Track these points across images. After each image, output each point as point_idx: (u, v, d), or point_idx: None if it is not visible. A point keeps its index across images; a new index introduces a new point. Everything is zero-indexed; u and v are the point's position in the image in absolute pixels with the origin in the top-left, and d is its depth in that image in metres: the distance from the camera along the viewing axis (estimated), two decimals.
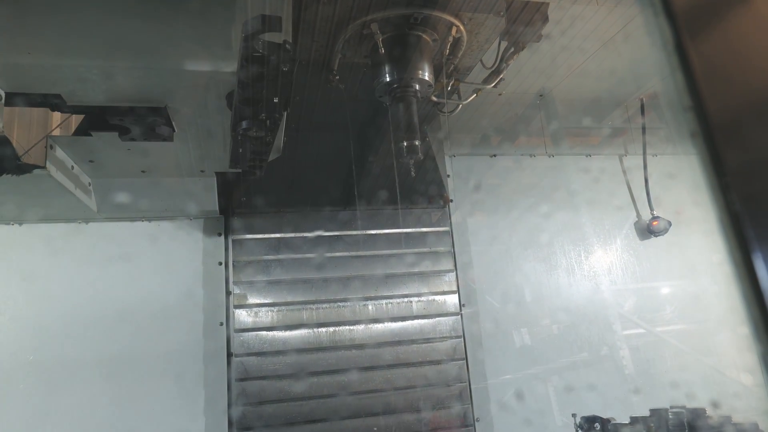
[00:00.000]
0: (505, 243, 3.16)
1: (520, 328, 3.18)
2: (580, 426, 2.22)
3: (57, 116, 2.12)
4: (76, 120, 2.13)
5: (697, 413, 1.76)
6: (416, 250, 2.76)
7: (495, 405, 2.86)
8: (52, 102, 1.86)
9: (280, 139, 2.24)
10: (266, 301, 2.65)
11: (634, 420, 1.90)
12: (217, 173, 2.59)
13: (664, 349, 3.22)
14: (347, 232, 2.77)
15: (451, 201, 3.00)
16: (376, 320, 2.77)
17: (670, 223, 3.12)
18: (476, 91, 2.22)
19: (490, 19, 1.83)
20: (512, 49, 2.04)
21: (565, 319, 3.18)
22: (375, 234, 2.81)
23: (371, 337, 2.74)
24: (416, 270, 2.80)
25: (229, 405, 2.53)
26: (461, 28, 1.83)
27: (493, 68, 2.14)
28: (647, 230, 3.15)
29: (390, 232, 2.84)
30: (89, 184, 2.46)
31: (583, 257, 3.19)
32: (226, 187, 2.63)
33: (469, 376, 2.90)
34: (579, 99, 3.02)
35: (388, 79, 1.79)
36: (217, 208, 2.65)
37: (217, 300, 2.64)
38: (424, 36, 1.84)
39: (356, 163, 2.59)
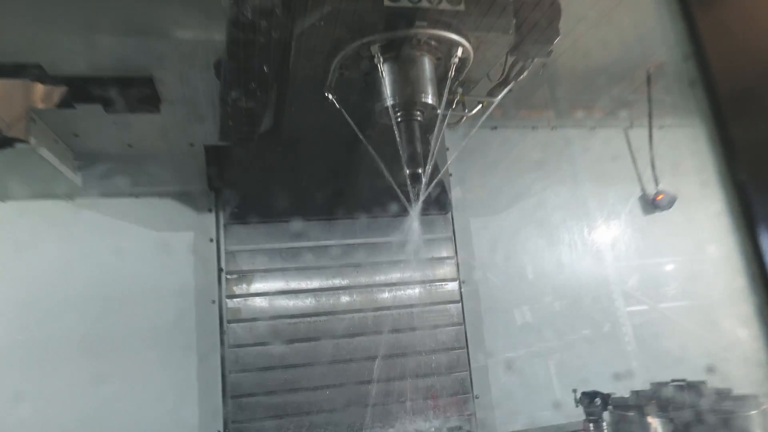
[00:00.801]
0: (506, 218, 3.17)
1: (521, 306, 3.21)
2: (580, 401, 2.27)
3: (40, 88, 2.10)
4: (59, 92, 2.11)
5: (698, 386, 1.81)
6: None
7: (495, 383, 2.91)
8: (32, 73, 1.85)
9: (271, 110, 2.23)
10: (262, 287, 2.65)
11: (635, 393, 1.95)
12: (206, 146, 2.59)
13: (668, 325, 3.26)
14: (347, 241, 2.76)
15: (450, 175, 3.00)
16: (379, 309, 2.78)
17: (675, 197, 3.13)
18: (481, 102, 2.21)
19: (498, 37, 1.80)
20: (521, 65, 2.03)
21: (568, 296, 3.21)
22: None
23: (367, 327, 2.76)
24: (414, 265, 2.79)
25: (224, 394, 2.56)
26: (467, 47, 1.81)
27: (500, 81, 2.10)
28: (652, 204, 3.16)
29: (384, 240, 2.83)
30: (74, 159, 2.45)
31: (587, 232, 3.21)
32: (217, 161, 2.62)
33: (468, 351, 2.94)
34: (584, 69, 3.00)
35: (389, 104, 1.78)
36: (206, 183, 2.64)
37: (208, 277, 2.65)
38: (428, 56, 1.82)
39: (352, 173, 2.55)
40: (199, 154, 2.64)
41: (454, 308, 2.91)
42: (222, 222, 2.71)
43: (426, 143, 1.91)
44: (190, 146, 2.61)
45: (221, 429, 2.54)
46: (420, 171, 1.83)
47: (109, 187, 2.61)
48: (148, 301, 2.60)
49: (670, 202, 3.13)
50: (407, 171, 1.83)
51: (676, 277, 3.35)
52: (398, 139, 1.83)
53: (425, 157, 1.86)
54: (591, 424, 2.29)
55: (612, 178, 3.27)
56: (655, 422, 1.75)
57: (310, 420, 2.51)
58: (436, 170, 2.12)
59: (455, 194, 3.12)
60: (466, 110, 2.18)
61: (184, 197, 2.71)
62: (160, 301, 2.62)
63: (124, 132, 2.31)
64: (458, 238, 3.03)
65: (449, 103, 1.98)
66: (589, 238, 3.23)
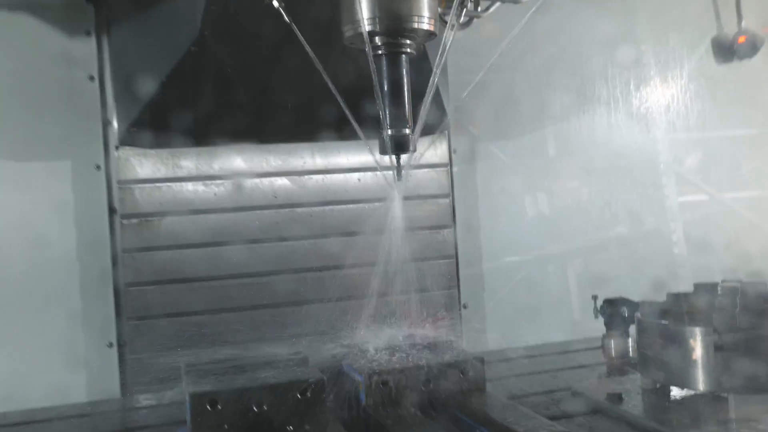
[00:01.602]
0: (521, 64, 3.10)
1: (535, 192, 3.23)
2: (601, 311, 2.34)
3: None
4: None
5: (755, 287, 1.85)
6: None
7: (490, 293, 2.99)
8: None
9: None
10: None
11: (672, 297, 1.99)
12: None
13: (733, 222, 3.33)
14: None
15: None
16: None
17: (762, 41, 3.07)
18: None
19: None
20: None
21: (600, 179, 3.24)
22: None
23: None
24: None
25: (116, 292, 2.62)
26: None
27: None
28: (729, 50, 3.11)
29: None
30: None
31: (633, 88, 3.18)
32: None
33: (457, 254, 3.00)
34: None
35: (367, 29, 1.73)
36: None
37: (89, 132, 2.61)
38: None
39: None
40: None
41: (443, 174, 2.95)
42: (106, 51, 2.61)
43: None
44: None
45: (113, 341, 2.62)
46: (407, 131, 1.82)
47: None
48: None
49: (755, 48, 3.07)
50: (388, 132, 1.81)
51: (751, 157, 3.38)
52: (375, 79, 1.78)
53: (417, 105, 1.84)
54: (612, 341, 2.38)
55: (677, 9, 3.20)
56: (694, 333, 1.80)
57: (224, 329, 2.62)
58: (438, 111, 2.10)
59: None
60: (479, 8, 2.14)
61: (48, 13, 2.57)
62: (19, 165, 2.58)
63: None
64: (453, 92, 2.98)
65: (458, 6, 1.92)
66: (637, 96, 3.21)
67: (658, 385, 1.95)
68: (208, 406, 1.61)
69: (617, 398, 1.91)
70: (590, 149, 3.21)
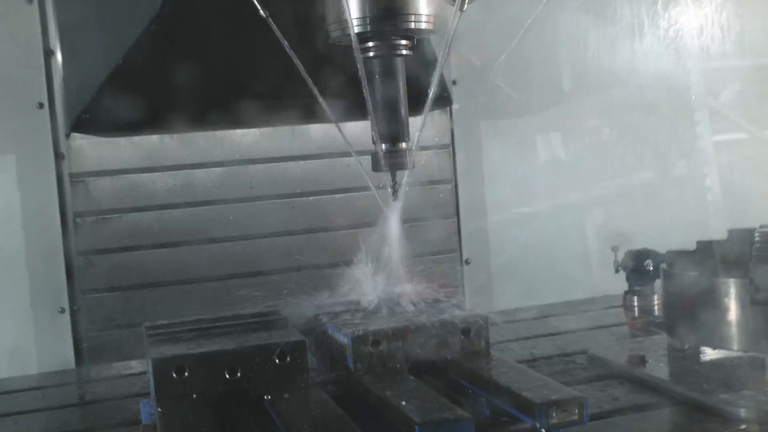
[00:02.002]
0: None
1: (549, 133, 3.22)
2: (622, 265, 2.35)
3: None
4: None
5: None
6: None
7: (496, 247, 3.00)
8: None
9: None
10: None
11: (703, 245, 1.98)
12: None
13: None
14: None
15: None
16: None
17: None
18: None
19: None
20: None
21: (621, 116, 3.22)
22: None
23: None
24: None
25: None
26: None
27: None
28: None
29: None
30: None
31: (661, 8, 3.15)
32: None
33: (458, 206, 3.01)
34: None
35: (354, 31, 1.71)
36: None
37: (29, 65, 2.58)
38: None
39: None
40: None
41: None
42: None
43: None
44: None
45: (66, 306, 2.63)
46: (403, 145, 1.81)
47: None
48: None
49: None
50: (382, 146, 1.79)
51: None
52: (364, 84, 1.76)
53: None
54: (635, 298, 2.39)
55: None
56: (727, 285, 1.80)
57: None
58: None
59: None
60: None
61: None
62: None
63: None
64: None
65: None
66: (665, 17, 3.19)
67: (686, 346, 1.95)
68: (174, 374, 1.59)
69: (640, 361, 1.91)
70: (610, 79, 3.19)
